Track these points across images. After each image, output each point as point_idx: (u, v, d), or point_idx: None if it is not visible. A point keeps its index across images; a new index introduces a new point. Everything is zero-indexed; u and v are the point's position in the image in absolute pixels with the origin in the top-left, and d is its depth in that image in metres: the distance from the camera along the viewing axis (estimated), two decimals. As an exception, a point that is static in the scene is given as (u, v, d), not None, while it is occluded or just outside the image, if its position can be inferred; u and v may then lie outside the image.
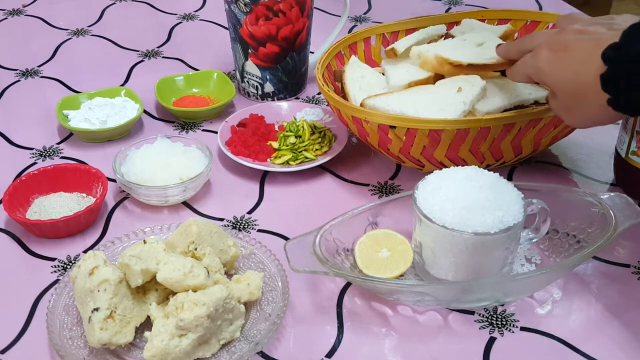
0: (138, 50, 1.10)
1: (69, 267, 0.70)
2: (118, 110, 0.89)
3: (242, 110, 0.90)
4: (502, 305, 0.65)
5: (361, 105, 0.76)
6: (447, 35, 0.88)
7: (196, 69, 1.04)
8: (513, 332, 0.63)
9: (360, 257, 0.67)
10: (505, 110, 0.74)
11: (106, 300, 0.59)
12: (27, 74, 1.04)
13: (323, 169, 0.84)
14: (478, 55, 0.76)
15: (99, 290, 0.59)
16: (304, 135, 0.85)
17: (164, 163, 0.78)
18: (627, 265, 0.69)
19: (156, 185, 0.76)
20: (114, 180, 0.81)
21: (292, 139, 0.84)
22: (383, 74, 0.84)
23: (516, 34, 0.91)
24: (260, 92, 0.96)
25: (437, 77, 0.79)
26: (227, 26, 0.95)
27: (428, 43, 0.85)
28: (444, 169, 0.66)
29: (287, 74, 0.95)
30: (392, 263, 0.67)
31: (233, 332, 0.60)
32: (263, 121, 0.88)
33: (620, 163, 0.77)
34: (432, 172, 0.66)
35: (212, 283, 0.60)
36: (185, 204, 0.79)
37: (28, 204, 0.77)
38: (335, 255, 0.66)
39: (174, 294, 0.60)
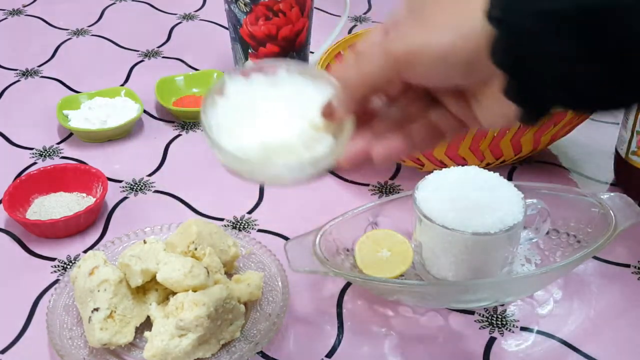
0: (138, 50, 1.09)
1: (69, 267, 0.70)
2: (118, 110, 0.89)
3: (242, 110, 0.90)
4: (502, 305, 0.65)
5: (361, 105, 0.76)
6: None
7: (196, 69, 1.04)
8: (513, 332, 0.63)
9: (360, 257, 0.67)
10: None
11: (106, 300, 0.59)
12: (27, 74, 1.04)
13: (323, 169, 0.83)
14: None
15: (99, 290, 0.59)
16: (304, 135, 0.85)
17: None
18: (627, 265, 0.69)
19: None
20: (114, 180, 0.81)
21: (292, 139, 0.84)
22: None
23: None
24: (260, 92, 0.96)
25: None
26: (227, 26, 0.95)
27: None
28: (444, 169, 0.66)
29: (287, 74, 0.95)
30: (392, 263, 0.67)
31: (233, 332, 0.60)
32: (263, 121, 0.88)
33: (621, 163, 0.77)
34: (432, 171, 0.66)
35: (212, 283, 0.60)
36: (185, 204, 0.79)
37: (28, 203, 0.77)
38: (335, 255, 0.66)
39: (174, 294, 0.60)
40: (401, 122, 0.43)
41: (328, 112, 0.44)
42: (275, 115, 0.45)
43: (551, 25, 0.34)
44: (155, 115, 0.94)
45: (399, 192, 0.80)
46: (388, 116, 0.44)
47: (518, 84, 0.36)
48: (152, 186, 0.81)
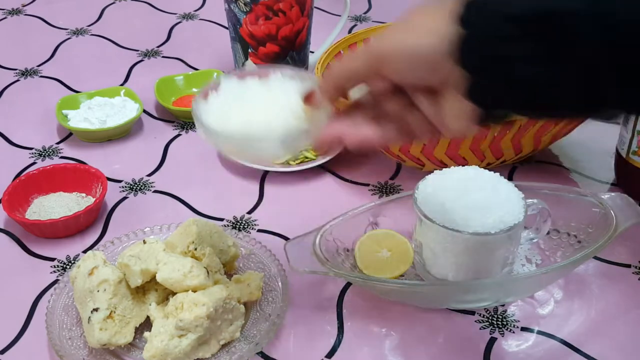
0: (138, 50, 1.09)
1: (68, 267, 0.70)
2: (118, 110, 0.89)
3: (242, 110, 0.90)
4: (503, 305, 0.65)
5: (361, 104, 0.76)
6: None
7: (196, 69, 1.04)
8: (514, 332, 0.63)
9: (361, 257, 0.67)
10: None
11: (106, 300, 0.58)
12: (26, 73, 1.04)
13: (323, 169, 0.83)
14: None
15: (98, 291, 0.59)
16: (303, 134, 0.85)
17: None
18: (628, 266, 0.69)
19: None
20: (114, 180, 0.81)
21: (292, 139, 0.84)
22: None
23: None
24: (260, 92, 0.96)
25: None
26: (227, 26, 0.95)
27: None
28: (444, 169, 0.66)
29: (287, 73, 0.95)
30: (392, 263, 0.66)
31: (233, 332, 0.60)
32: (263, 121, 0.88)
33: (621, 163, 0.77)
34: (432, 171, 0.66)
35: (212, 283, 0.60)
36: (185, 204, 0.78)
37: (27, 203, 0.77)
38: (335, 255, 0.66)
39: (174, 294, 0.60)
40: (377, 117, 0.48)
41: (308, 98, 0.49)
42: (261, 106, 0.50)
43: (516, 29, 0.37)
44: (155, 115, 0.94)
45: (399, 192, 0.79)
46: (366, 109, 0.49)
47: (479, 84, 0.40)
48: (151, 186, 0.81)
